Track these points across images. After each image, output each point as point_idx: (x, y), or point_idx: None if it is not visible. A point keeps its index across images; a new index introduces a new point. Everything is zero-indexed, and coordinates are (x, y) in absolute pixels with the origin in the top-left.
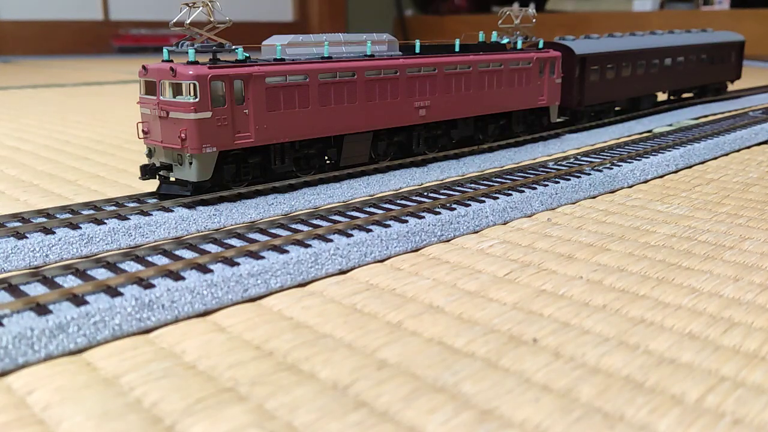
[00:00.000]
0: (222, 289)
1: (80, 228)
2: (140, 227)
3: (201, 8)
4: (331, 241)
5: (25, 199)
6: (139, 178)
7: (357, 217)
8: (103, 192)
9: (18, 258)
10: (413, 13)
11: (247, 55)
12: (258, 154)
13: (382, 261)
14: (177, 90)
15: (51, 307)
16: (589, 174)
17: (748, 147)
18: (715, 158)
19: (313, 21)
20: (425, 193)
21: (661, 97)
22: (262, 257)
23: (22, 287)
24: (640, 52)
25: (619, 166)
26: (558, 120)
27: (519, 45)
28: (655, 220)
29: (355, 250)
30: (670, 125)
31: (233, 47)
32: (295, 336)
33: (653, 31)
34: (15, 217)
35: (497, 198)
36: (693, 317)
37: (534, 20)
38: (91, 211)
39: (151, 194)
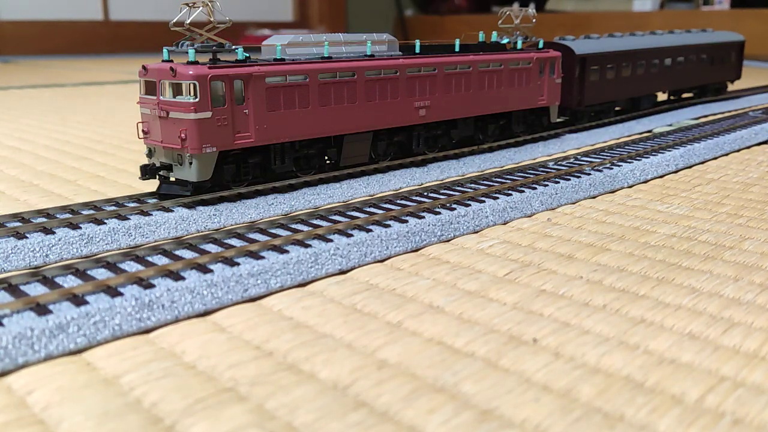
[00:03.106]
0: (222, 289)
1: (80, 228)
2: (140, 227)
3: (201, 8)
4: (331, 241)
5: (25, 199)
6: (139, 178)
7: (357, 217)
8: (103, 192)
9: (18, 258)
10: (413, 13)
11: (247, 55)
12: (258, 154)
13: (382, 261)
14: (177, 90)
15: (51, 307)
16: (589, 174)
17: (748, 147)
18: (715, 158)
19: (313, 21)
20: (425, 193)
21: (661, 97)
22: (262, 257)
23: (22, 287)
24: (640, 52)
25: (619, 166)
26: (558, 120)
27: (519, 45)
28: (655, 220)
29: (355, 250)
30: (670, 125)
31: (233, 47)
32: (295, 336)
33: (653, 31)
34: (15, 217)
35: (497, 198)
36: (693, 317)
37: (534, 20)
38: (91, 211)
39: (151, 194)
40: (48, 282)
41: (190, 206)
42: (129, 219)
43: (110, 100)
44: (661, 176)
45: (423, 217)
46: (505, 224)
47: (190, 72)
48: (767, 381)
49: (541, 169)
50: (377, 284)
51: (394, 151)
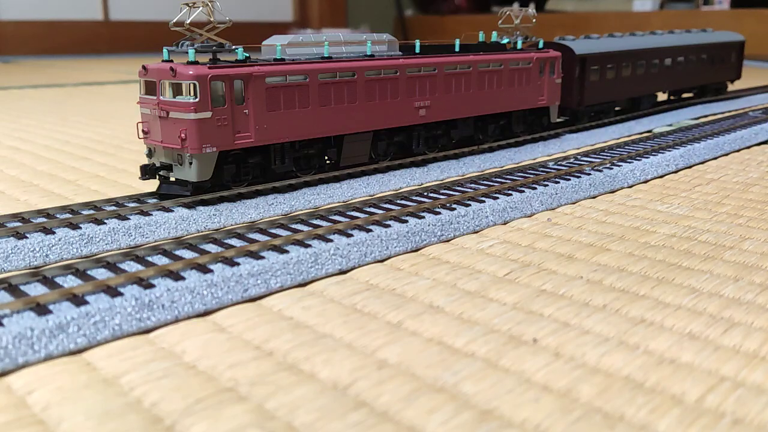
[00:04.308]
0: (222, 289)
1: (80, 228)
2: (140, 227)
3: (201, 8)
4: (331, 241)
5: (25, 199)
6: (139, 178)
7: (357, 217)
8: (103, 192)
9: (18, 258)
10: (413, 13)
11: (247, 55)
12: (258, 154)
13: (382, 261)
14: (177, 90)
15: (51, 307)
16: (589, 174)
17: (748, 147)
18: (715, 158)
19: (313, 21)
20: (425, 193)
21: (661, 97)
22: (262, 257)
23: (22, 287)
24: (640, 52)
25: (619, 166)
26: (558, 120)
27: (519, 45)
28: (655, 220)
29: (355, 250)
30: (670, 125)
31: (233, 47)
32: (295, 336)
33: (653, 31)
34: (15, 217)
35: (497, 198)
36: (693, 317)
37: (534, 20)
38: (91, 211)
39: (151, 194)
40: (48, 282)
41: (190, 206)
42: (129, 219)
43: (110, 100)
44: (661, 176)
45: (423, 217)
46: (505, 224)
47: (190, 72)
48: (767, 381)
49: (541, 169)
50: (377, 284)
51: (394, 151)
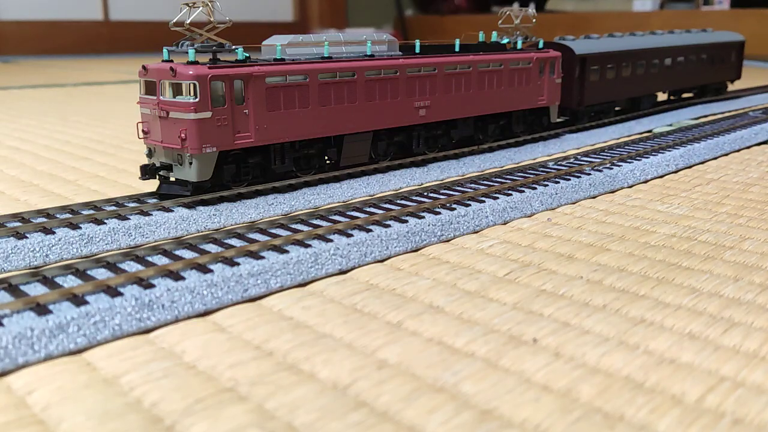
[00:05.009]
0: (222, 289)
1: (80, 228)
2: (140, 227)
3: (201, 8)
4: (331, 241)
5: (25, 199)
6: (139, 178)
7: (357, 217)
8: (103, 192)
9: (18, 258)
10: (413, 13)
11: (247, 55)
12: (258, 154)
13: (382, 261)
14: (177, 90)
15: (51, 307)
16: (589, 174)
17: (748, 147)
18: (715, 158)
19: (313, 21)
20: (425, 193)
21: (661, 97)
22: (262, 257)
23: (22, 287)
24: (640, 52)
25: (619, 166)
26: (558, 120)
27: (519, 45)
28: (655, 220)
29: (355, 250)
30: (670, 125)
31: (233, 47)
32: (295, 336)
33: (653, 31)
34: (15, 217)
35: (497, 198)
36: (693, 317)
37: (534, 20)
38: (91, 211)
39: (151, 194)
40: (48, 282)
41: (190, 206)
42: (129, 219)
43: (110, 100)
44: (661, 176)
45: (423, 217)
46: (505, 224)
47: (190, 72)
48: (767, 381)
49: (541, 169)
50: (377, 284)
51: (394, 151)
